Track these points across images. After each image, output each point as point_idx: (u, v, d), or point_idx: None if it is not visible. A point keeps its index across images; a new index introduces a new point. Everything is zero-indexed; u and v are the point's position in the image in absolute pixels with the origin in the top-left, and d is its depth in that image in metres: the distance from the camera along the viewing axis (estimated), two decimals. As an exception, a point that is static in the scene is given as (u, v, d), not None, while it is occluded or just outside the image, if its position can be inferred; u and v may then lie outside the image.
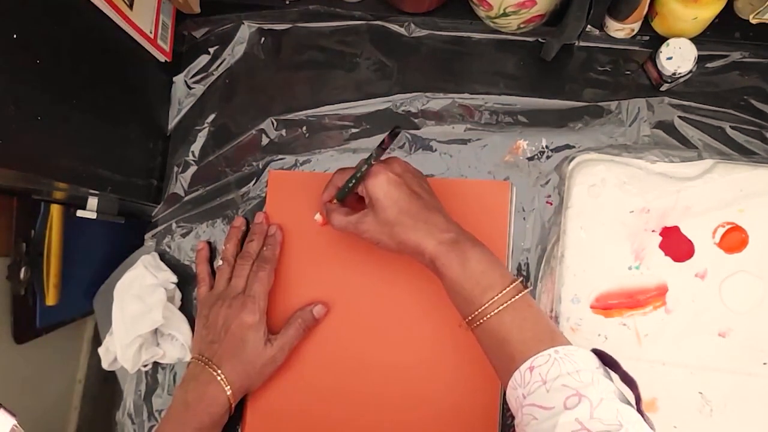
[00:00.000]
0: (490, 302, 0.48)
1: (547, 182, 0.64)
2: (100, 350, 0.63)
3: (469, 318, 0.50)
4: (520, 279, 0.50)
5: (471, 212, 0.62)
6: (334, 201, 0.57)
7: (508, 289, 0.48)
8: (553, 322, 0.49)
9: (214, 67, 0.68)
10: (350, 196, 0.57)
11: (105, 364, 0.63)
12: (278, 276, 0.63)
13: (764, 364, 0.59)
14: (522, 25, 0.62)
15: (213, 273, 0.64)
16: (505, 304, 0.48)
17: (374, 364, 0.62)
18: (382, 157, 0.55)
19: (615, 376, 0.46)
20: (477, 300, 0.49)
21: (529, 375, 0.45)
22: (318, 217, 0.61)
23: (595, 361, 0.45)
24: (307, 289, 0.64)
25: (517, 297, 0.48)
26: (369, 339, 0.62)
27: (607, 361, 0.46)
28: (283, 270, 0.64)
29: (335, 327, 0.63)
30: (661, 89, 0.63)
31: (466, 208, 0.63)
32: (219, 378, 0.56)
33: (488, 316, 0.48)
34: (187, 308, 0.65)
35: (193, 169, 0.67)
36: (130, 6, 0.57)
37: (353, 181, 0.55)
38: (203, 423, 0.55)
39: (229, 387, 0.56)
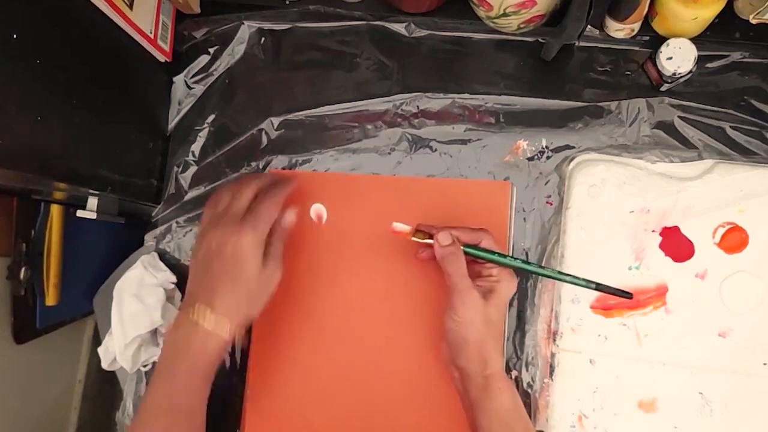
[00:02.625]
0: None
1: (547, 182, 0.64)
2: (100, 350, 0.63)
3: None
4: None
5: (471, 212, 0.63)
6: (458, 244, 0.55)
7: None
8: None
9: (214, 67, 0.68)
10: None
11: (105, 364, 0.63)
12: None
13: (764, 364, 0.59)
14: (522, 25, 0.62)
15: None
16: None
17: (377, 363, 0.62)
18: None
19: None
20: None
21: None
22: (401, 227, 0.57)
23: None
24: (306, 289, 0.63)
25: None
26: (370, 338, 0.62)
27: None
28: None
29: (336, 326, 0.63)
30: (661, 89, 0.63)
31: (466, 208, 0.63)
32: (210, 318, 0.50)
33: None
34: (187, 308, 0.65)
35: (193, 169, 0.67)
36: (130, 6, 0.57)
37: (493, 256, 0.55)
38: (196, 367, 0.50)
39: (227, 322, 0.50)
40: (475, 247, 0.55)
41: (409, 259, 0.62)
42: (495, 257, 0.55)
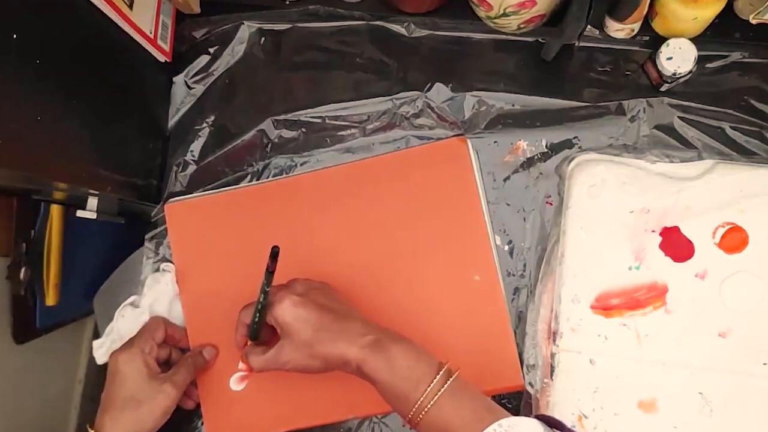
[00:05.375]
0: (425, 394, 0.48)
1: (547, 182, 0.64)
2: (95, 343, 0.63)
3: (409, 416, 0.49)
4: (447, 363, 0.50)
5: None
6: (249, 342, 0.57)
7: (438, 376, 0.48)
8: (487, 398, 0.49)
9: (214, 67, 0.68)
10: (265, 330, 0.56)
11: (99, 361, 0.63)
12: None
13: (764, 364, 0.59)
14: (522, 26, 0.62)
15: None
16: (440, 392, 0.47)
17: None
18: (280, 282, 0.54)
19: None
20: (412, 396, 0.48)
21: None
22: (241, 365, 0.60)
23: (538, 427, 0.45)
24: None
25: (449, 381, 0.48)
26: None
27: (552, 424, 0.47)
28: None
29: None
30: (661, 89, 0.63)
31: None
32: None
33: (426, 409, 0.47)
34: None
35: (193, 169, 0.67)
36: (130, 6, 0.57)
37: (258, 314, 0.54)
38: None
39: None
40: (250, 328, 0.56)
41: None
42: (256, 318, 0.54)
